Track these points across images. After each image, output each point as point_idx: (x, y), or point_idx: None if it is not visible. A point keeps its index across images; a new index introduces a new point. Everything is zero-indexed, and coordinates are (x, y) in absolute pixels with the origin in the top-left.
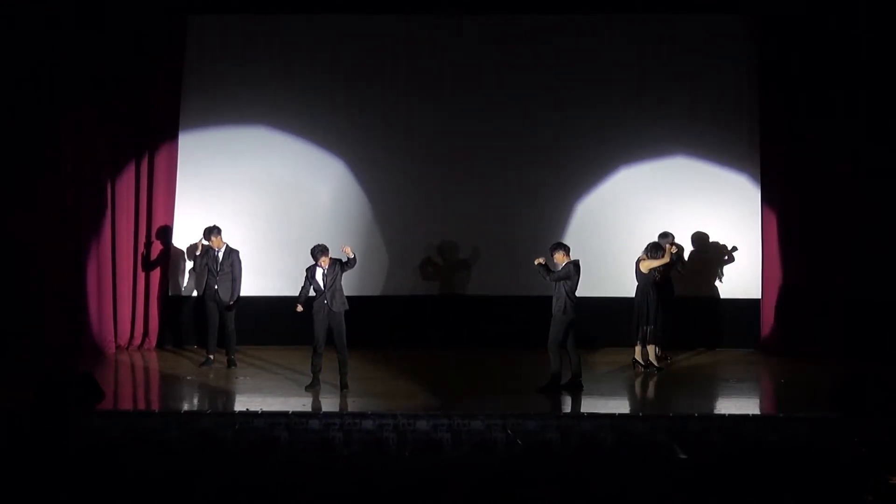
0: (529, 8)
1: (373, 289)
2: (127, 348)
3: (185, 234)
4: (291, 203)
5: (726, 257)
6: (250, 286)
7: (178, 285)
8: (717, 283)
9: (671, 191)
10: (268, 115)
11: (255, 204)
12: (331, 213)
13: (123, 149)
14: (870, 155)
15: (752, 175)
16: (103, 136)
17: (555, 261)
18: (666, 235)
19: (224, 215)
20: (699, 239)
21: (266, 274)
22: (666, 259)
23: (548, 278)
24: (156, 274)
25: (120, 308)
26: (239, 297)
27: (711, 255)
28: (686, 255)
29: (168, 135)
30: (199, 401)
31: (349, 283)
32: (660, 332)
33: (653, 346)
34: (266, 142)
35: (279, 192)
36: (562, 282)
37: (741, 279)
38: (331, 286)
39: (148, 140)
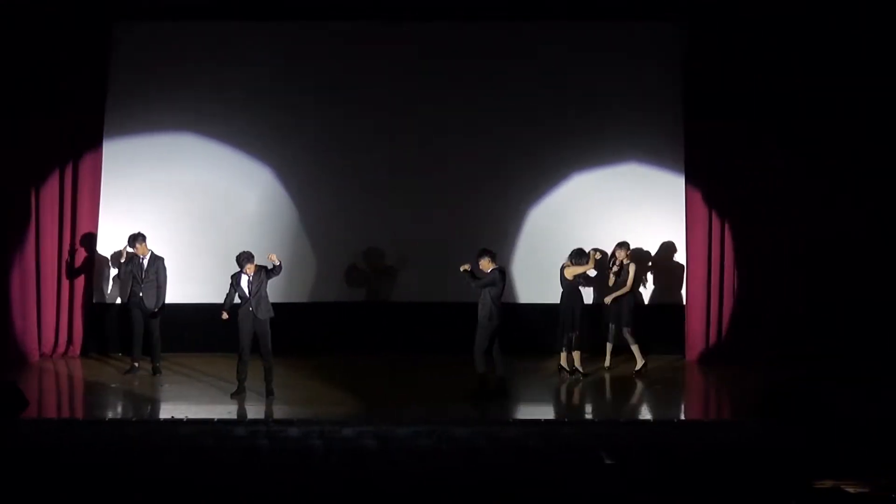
0: (469, 15)
1: (299, 296)
2: (51, 356)
3: (110, 242)
4: (217, 209)
5: (650, 263)
6: (175, 293)
7: (102, 292)
8: (642, 288)
9: (622, 197)
10: (194, 122)
11: (181, 211)
12: (256, 220)
13: (47, 156)
14: (793, 155)
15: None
16: (26, 144)
17: (480, 267)
18: (622, 245)
19: (149, 223)
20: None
21: (191, 281)
22: (590, 266)
23: (473, 285)
24: (80, 281)
25: (44, 315)
26: (164, 304)
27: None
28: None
29: (92, 142)
30: (124, 409)
31: (275, 291)
32: (586, 337)
33: (578, 352)
34: (192, 148)
35: (205, 199)
36: (487, 288)
37: (673, 284)
38: (256, 293)
39: (72, 148)
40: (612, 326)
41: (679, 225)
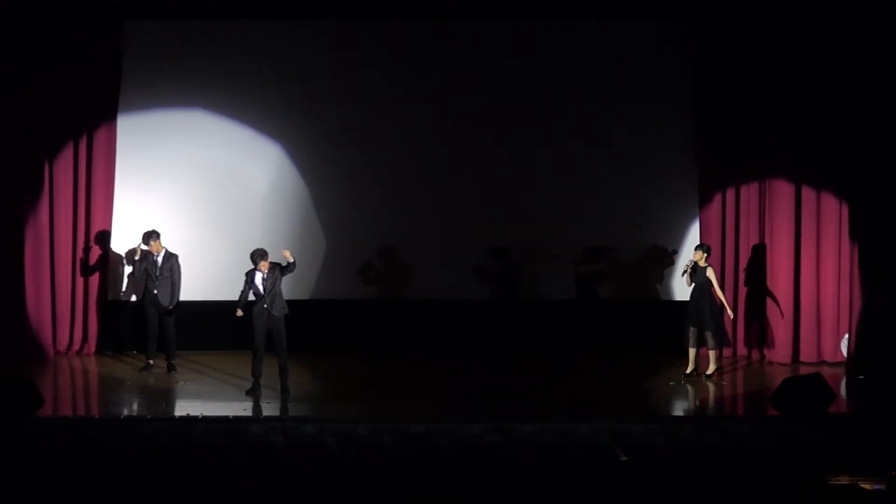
0: (472, 14)
1: (314, 293)
2: (66, 354)
3: (123, 223)
4: (228, 191)
5: (665, 259)
6: (190, 291)
7: (117, 290)
8: (657, 286)
9: (635, 196)
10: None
11: (192, 191)
12: (268, 209)
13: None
14: (808, 157)
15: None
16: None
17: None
18: (700, 247)
19: (162, 200)
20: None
21: (205, 278)
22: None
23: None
24: (94, 279)
25: (59, 313)
26: (178, 301)
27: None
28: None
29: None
30: (138, 406)
31: (289, 287)
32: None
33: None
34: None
35: (215, 178)
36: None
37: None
38: (270, 290)
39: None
40: (693, 329)
41: (693, 224)
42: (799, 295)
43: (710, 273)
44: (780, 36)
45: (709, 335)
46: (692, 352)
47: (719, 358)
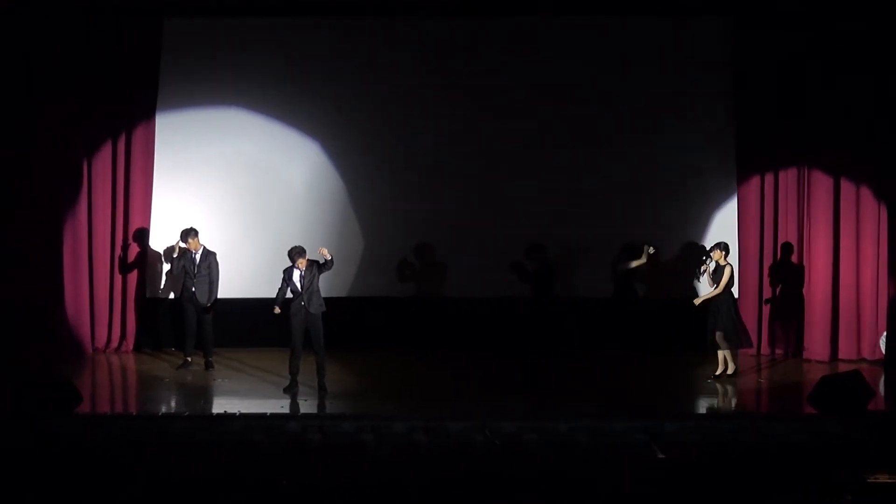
0: (511, 10)
1: (351, 290)
2: (104, 351)
3: (161, 220)
4: (265, 189)
5: (703, 258)
6: (228, 288)
7: (155, 288)
8: (695, 284)
9: (669, 194)
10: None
11: (230, 189)
12: (305, 207)
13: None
14: (847, 153)
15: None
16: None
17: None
18: (719, 246)
19: (200, 198)
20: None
21: (243, 275)
22: (643, 260)
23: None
24: (133, 276)
25: (97, 310)
26: (216, 299)
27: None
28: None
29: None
30: (176, 403)
31: (327, 285)
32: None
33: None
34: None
35: (252, 175)
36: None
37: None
38: (308, 288)
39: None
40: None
41: (731, 222)
42: (838, 291)
43: (728, 272)
44: (816, 32)
45: (720, 336)
46: (720, 353)
47: (735, 358)
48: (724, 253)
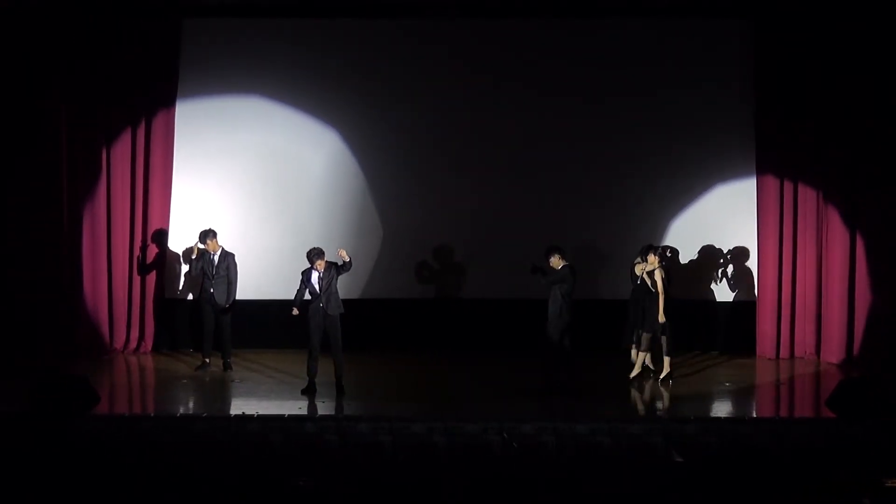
0: (534, 10)
1: (369, 292)
2: (123, 352)
3: (180, 216)
4: (284, 191)
5: (721, 261)
6: (246, 289)
7: (173, 288)
8: (713, 286)
9: (687, 196)
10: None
11: (249, 187)
12: (324, 209)
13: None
14: (867, 154)
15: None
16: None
17: (550, 264)
18: (652, 248)
19: (218, 193)
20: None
21: (262, 277)
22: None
23: (543, 281)
24: (151, 277)
25: (115, 311)
26: (235, 300)
27: (705, 260)
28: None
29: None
30: (194, 404)
31: (345, 286)
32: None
33: (644, 354)
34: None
35: (273, 172)
36: (557, 285)
37: (739, 283)
38: (326, 289)
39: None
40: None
41: (750, 223)
42: (854, 295)
43: (659, 275)
44: (833, 34)
45: (647, 337)
46: (640, 354)
47: (656, 362)
48: (657, 257)
